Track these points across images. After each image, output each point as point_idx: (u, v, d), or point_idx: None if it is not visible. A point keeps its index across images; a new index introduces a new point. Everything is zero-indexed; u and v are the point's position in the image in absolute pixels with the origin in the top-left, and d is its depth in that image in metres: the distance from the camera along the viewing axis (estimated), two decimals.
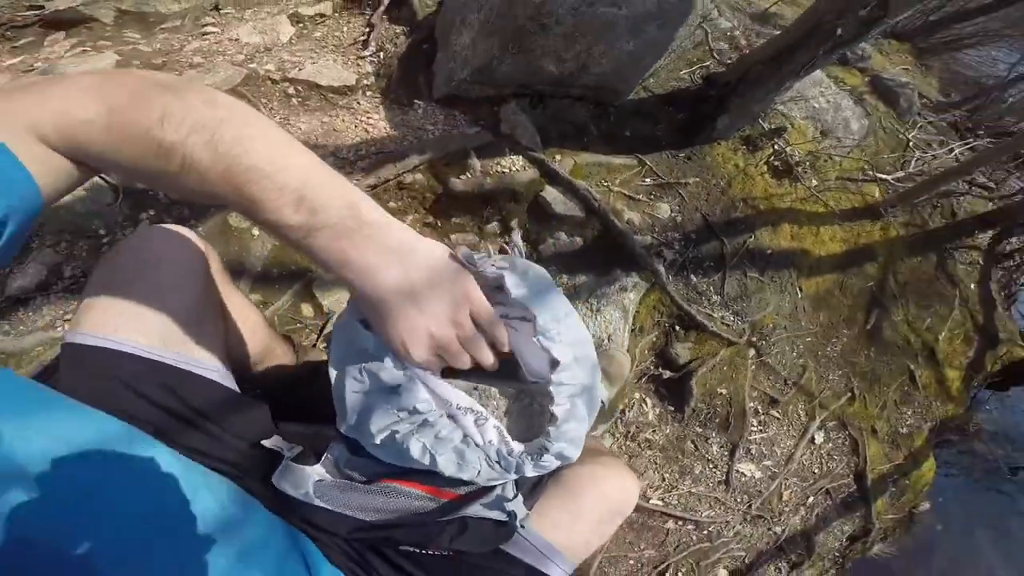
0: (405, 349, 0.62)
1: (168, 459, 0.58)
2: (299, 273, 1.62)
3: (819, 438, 2.09)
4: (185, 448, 0.66)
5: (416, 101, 1.89)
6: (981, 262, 2.84)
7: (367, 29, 2.04)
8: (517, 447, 0.72)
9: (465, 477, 0.71)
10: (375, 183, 1.70)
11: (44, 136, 0.49)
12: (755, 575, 1.91)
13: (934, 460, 2.39)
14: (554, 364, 0.69)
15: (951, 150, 3.23)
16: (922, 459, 2.32)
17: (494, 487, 0.80)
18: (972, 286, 2.74)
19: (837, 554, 2.13)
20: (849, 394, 2.17)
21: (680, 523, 1.83)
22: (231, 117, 0.53)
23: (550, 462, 0.73)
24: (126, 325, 0.70)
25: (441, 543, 0.75)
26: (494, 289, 0.69)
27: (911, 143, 3.06)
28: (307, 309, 1.61)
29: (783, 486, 1.99)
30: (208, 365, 0.78)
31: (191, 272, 0.78)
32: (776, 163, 2.23)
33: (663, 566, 1.77)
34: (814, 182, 2.37)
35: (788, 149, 2.26)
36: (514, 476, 0.74)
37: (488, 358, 0.64)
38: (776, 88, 1.91)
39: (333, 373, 0.73)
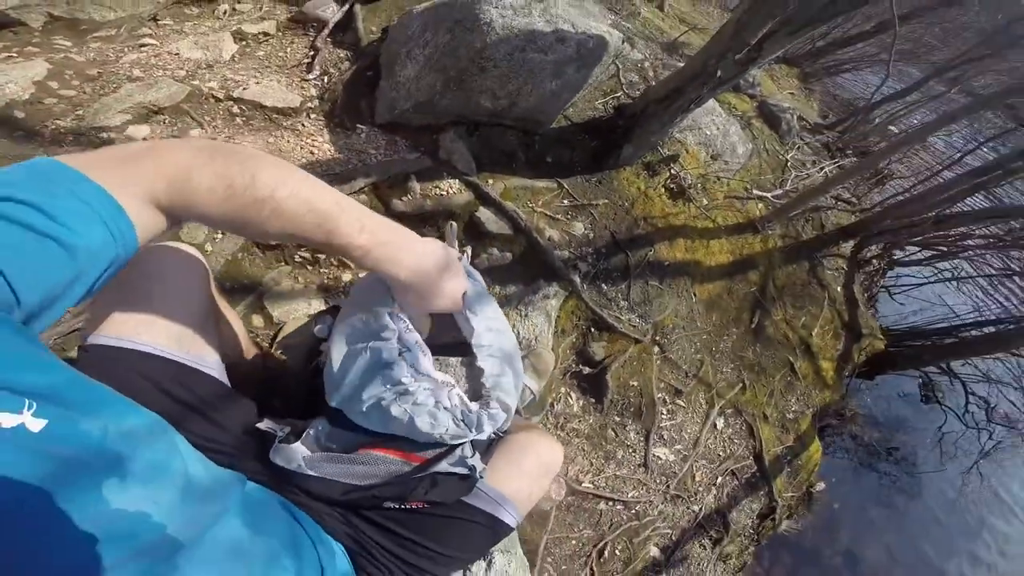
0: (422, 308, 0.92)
1: (188, 447, 0.69)
2: (250, 287, 1.71)
3: (720, 424, 2.38)
4: (194, 435, 0.78)
5: (359, 125, 2.00)
6: (846, 268, 3.28)
7: (311, 52, 2.11)
8: (474, 406, 0.97)
9: (436, 434, 0.92)
10: None
11: (156, 198, 0.64)
12: (682, 552, 2.15)
13: (819, 442, 2.74)
14: (471, 331, 1.00)
15: (822, 169, 3.70)
16: (808, 441, 2.65)
17: (456, 448, 0.99)
18: (839, 288, 3.17)
19: (752, 531, 2.40)
20: (741, 384, 2.50)
21: (610, 504, 2.05)
22: (302, 177, 0.75)
23: (497, 411, 0.98)
24: (147, 330, 0.82)
25: (417, 496, 0.92)
26: None
27: (789, 163, 3.48)
28: (258, 320, 1.69)
29: (694, 468, 2.26)
30: (210, 363, 0.93)
31: (195, 283, 0.91)
32: (672, 186, 2.54)
33: (601, 544, 1.98)
34: (704, 201, 2.71)
35: (682, 173, 2.57)
36: (474, 433, 0.97)
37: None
38: (670, 121, 2.20)
39: (337, 352, 0.96)
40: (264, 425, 0.94)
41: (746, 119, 3.48)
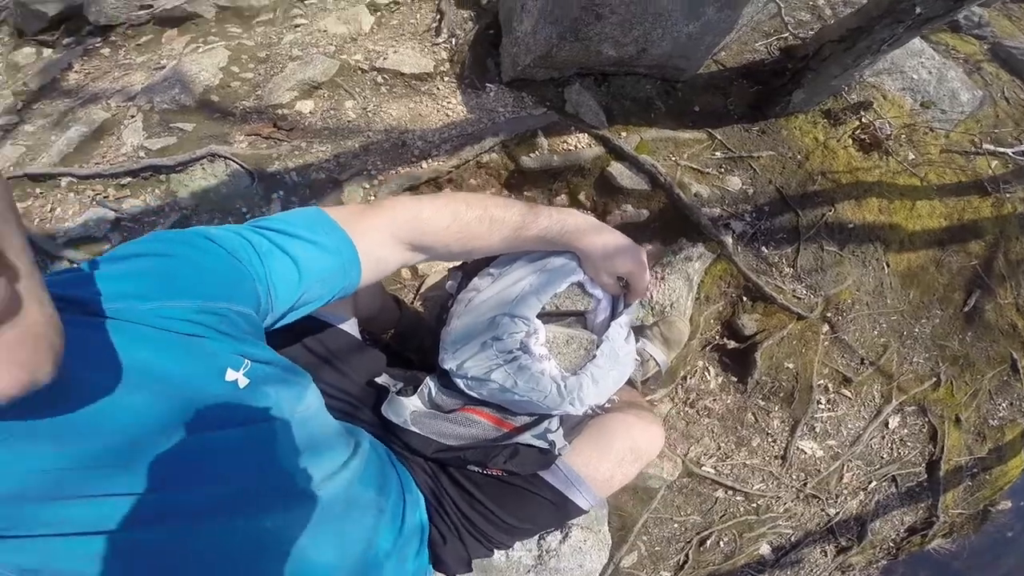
0: (611, 275, 1.05)
1: (317, 397, 0.82)
2: None
3: (894, 422, 2.02)
4: (324, 383, 0.93)
5: (488, 84, 1.98)
6: None
7: (438, 15, 2.12)
8: (572, 379, 1.03)
9: (536, 398, 1.01)
10: (457, 163, 1.84)
11: (397, 236, 0.86)
12: (799, 554, 1.91)
13: None
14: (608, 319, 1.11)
15: None
16: (1010, 455, 2.21)
17: (543, 421, 1.05)
18: None
19: (892, 544, 2.10)
20: (935, 379, 2.07)
21: (730, 493, 1.85)
22: (491, 196, 1.00)
23: (589, 390, 1.04)
24: None
25: (497, 463, 0.98)
26: None
27: None
28: (406, 272, 1.81)
29: (845, 467, 1.96)
30: (342, 317, 1.05)
31: None
32: (863, 136, 2.12)
33: (706, 532, 1.83)
34: (911, 155, 2.24)
35: (878, 122, 2.13)
36: (568, 404, 1.03)
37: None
38: (854, 64, 1.82)
39: (460, 319, 1.09)
40: (381, 379, 1.06)
41: (973, 63, 2.86)
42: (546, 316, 1.08)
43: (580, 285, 1.09)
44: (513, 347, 1.01)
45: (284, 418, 0.68)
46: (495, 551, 1.09)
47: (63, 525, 0.47)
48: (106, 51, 2.16)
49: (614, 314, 1.11)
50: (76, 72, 2.11)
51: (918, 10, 1.61)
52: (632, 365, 1.14)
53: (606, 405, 1.13)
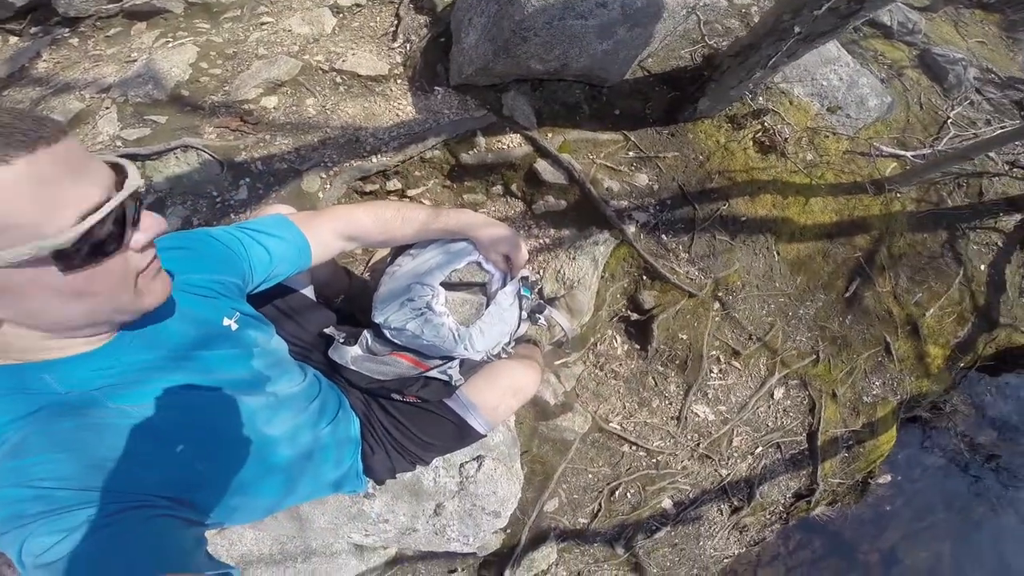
0: (498, 255, 1.43)
1: (280, 340, 1.18)
2: None
3: (778, 393, 2.29)
4: (286, 332, 1.27)
5: (436, 87, 2.19)
6: (1000, 245, 2.84)
7: (396, 20, 2.31)
8: (463, 329, 1.39)
9: (438, 342, 1.35)
10: (403, 159, 2.10)
11: (338, 231, 1.23)
12: (698, 511, 2.18)
13: (895, 433, 2.51)
14: (499, 289, 1.47)
15: (1002, 128, 3.14)
16: (881, 430, 2.45)
17: (447, 362, 1.39)
18: (982, 267, 2.77)
19: (782, 508, 2.34)
20: (814, 356, 2.36)
21: (633, 448, 2.13)
22: (407, 203, 1.57)
23: (478, 338, 1.40)
24: None
25: (412, 391, 1.32)
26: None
27: (951, 120, 3.04)
28: (359, 250, 2.06)
29: (735, 432, 2.23)
30: (302, 284, 1.41)
31: None
32: (762, 139, 2.39)
33: (615, 484, 2.11)
34: (809, 156, 2.50)
35: (778, 126, 2.41)
36: (463, 348, 1.38)
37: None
38: (747, 77, 2.05)
39: (386, 283, 1.44)
40: (328, 331, 1.40)
41: (896, 69, 3.11)
42: (453, 285, 1.46)
43: (478, 264, 1.47)
44: (421, 306, 1.38)
45: (259, 348, 1.04)
46: (416, 466, 1.41)
47: (155, 382, 0.82)
48: (75, 41, 2.31)
49: (504, 285, 1.47)
50: (45, 61, 2.24)
51: (797, 30, 1.84)
52: (515, 323, 1.50)
53: (502, 355, 1.52)
